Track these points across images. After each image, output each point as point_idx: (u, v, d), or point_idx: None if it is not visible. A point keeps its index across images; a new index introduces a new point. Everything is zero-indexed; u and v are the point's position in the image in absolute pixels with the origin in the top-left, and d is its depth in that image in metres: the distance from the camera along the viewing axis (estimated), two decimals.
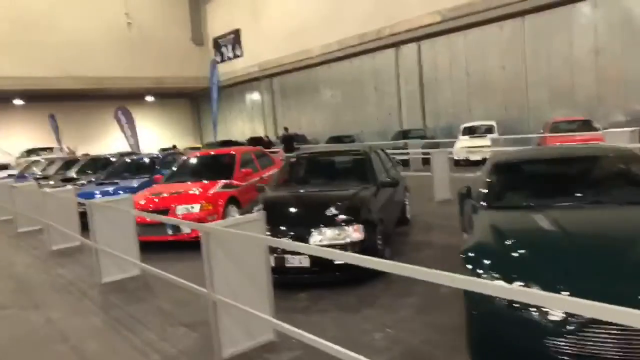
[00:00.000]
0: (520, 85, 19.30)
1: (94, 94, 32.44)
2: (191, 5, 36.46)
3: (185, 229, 6.93)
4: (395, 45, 23.53)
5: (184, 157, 9.48)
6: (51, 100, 31.03)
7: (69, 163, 16.38)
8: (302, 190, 5.93)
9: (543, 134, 14.74)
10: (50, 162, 17.85)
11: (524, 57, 19.11)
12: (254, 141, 23.88)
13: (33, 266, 7.39)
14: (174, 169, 9.11)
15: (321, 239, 4.84)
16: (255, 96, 35.02)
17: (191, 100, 40.88)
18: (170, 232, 7.06)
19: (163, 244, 7.19)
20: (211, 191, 7.56)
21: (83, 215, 7.06)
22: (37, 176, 15.86)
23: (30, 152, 27.85)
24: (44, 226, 8.53)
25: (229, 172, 8.34)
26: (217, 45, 35.78)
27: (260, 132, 32.82)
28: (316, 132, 27.79)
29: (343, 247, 4.77)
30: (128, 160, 11.85)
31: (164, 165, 11.02)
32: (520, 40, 19.20)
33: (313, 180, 6.25)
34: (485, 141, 15.76)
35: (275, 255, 4.73)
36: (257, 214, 3.87)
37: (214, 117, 17.13)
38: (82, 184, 12.04)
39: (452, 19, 20.65)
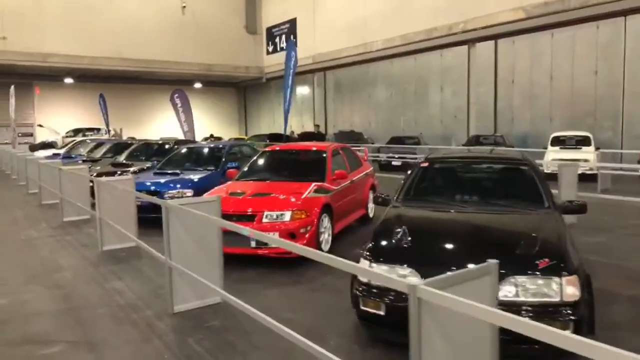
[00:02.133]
0: (616, 94, 17.13)
1: (142, 76, 31.68)
2: None
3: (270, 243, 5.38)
4: (469, 42, 21.53)
5: (261, 150, 7.97)
6: (100, 80, 30.42)
7: (118, 146, 15.26)
8: (453, 211, 4.29)
9: None
10: (98, 144, 16.78)
11: (622, 62, 16.93)
12: (306, 137, 22.46)
13: (80, 273, 6.00)
14: (252, 163, 7.60)
15: (515, 292, 3.21)
16: (305, 90, 33.55)
17: (237, 90, 39.78)
18: (253, 243, 5.56)
19: (250, 260, 5.73)
20: (304, 195, 6.01)
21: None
22: (85, 158, 14.78)
23: (76, 131, 27.18)
24: (93, 218, 7.44)
25: (319, 172, 6.80)
26: (271, 34, 34.45)
27: (309, 127, 31.34)
28: (370, 132, 26.12)
29: (550, 309, 3.13)
30: (189, 148, 10.45)
31: (229, 157, 9.60)
32: (619, 43, 17.02)
33: (458, 195, 4.61)
34: (581, 154, 13.75)
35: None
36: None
37: (286, 107, 15.52)
38: (135, 172, 10.75)
39: (539, 16, 18.52)
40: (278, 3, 33.88)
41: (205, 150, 10.29)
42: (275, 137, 22.03)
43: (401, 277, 3.37)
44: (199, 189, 8.29)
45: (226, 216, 5.39)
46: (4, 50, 24.98)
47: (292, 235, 5.56)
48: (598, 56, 17.50)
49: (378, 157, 19.37)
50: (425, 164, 4.92)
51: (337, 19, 28.17)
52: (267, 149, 7.81)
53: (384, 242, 3.76)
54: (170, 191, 8.13)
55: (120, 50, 28.02)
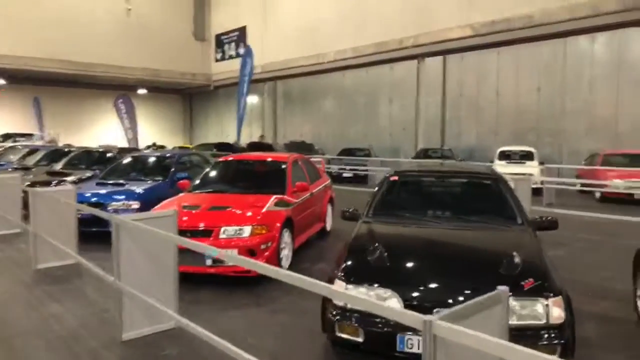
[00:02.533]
0: (556, 111, 17.91)
1: (83, 80, 30.06)
2: None
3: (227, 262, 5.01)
4: (418, 57, 21.93)
5: (216, 160, 7.54)
6: (35, 83, 28.57)
7: (54, 153, 14.24)
8: (427, 227, 4.10)
9: (593, 167, 13.35)
10: (31, 150, 15.60)
11: (563, 80, 17.75)
12: (254, 147, 22.02)
13: (11, 296, 5.35)
14: (206, 174, 7.15)
15: None
16: (255, 99, 33.07)
17: (183, 97, 38.72)
18: (209, 262, 5.15)
19: (202, 278, 5.28)
20: (264, 209, 5.66)
21: None
22: (16, 166, 13.67)
23: (6, 137, 25.32)
24: (24, 232, 6.73)
25: (279, 184, 6.46)
26: (220, 42, 33.80)
27: (257, 136, 30.87)
28: (320, 143, 26.02)
29: (536, 332, 2.98)
30: (134, 157, 9.80)
31: (178, 166, 9.08)
32: (560, 62, 17.84)
33: (430, 210, 4.42)
34: (526, 168, 14.19)
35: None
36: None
37: (240, 115, 14.99)
38: (74, 182, 9.97)
39: (485, 34, 19.15)
40: (228, 10, 33.32)
41: (153, 159, 9.70)
42: (223, 147, 21.44)
43: (381, 299, 3.13)
44: (146, 200, 7.75)
45: (180, 232, 4.95)
46: None
47: (251, 252, 5.20)
48: (541, 74, 18.26)
49: (329, 168, 19.24)
50: (395, 178, 4.72)
51: (288, 29, 28.00)
52: (222, 159, 7.39)
53: (359, 262, 3.50)
54: (114, 203, 7.53)
55: (57, 52, 26.44)
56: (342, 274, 3.38)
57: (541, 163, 14.80)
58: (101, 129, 32.64)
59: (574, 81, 17.43)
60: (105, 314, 4.51)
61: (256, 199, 5.96)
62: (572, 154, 17.33)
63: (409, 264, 3.47)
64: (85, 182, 9.61)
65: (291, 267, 5.83)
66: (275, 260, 5.46)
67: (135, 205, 7.55)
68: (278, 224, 5.56)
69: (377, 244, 3.63)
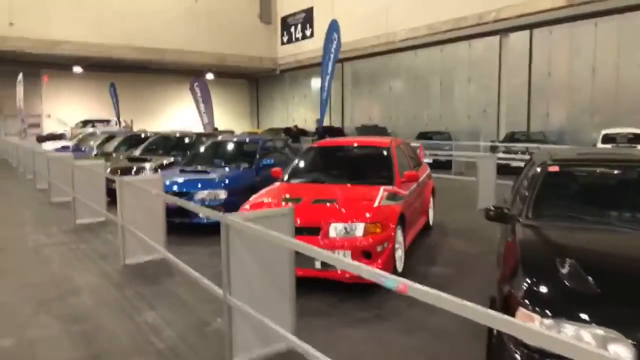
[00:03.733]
0: None
1: (153, 66, 30.52)
2: None
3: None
4: (501, 32, 20.24)
5: (309, 145, 6.83)
6: (110, 70, 29.30)
7: (131, 138, 14.17)
8: (626, 236, 3.14)
9: None
10: (110, 136, 15.70)
11: None
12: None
13: (102, 297, 4.91)
14: (300, 161, 6.45)
15: None
16: (319, 82, 32.34)
17: (250, 82, 38.61)
18: (318, 264, 4.45)
19: (307, 281, 4.58)
20: (375, 203, 4.87)
21: None
22: (96, 152, 13.73)
23: (85, 123, 26.14)
24: (108, 221, 6.38)
25: (385, 173, 5.66)
26: (286, 24, 33.20)
27: (325, 121, 30.13)
28: (391, 127, 24.90)
29: None
30: (216, 142, 9.30)
31: (263, 152, 8.47)
32: None
33: (615, 212, 3.44)
34: None
35: None
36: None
37: (324, 97, 14.21)
38: (155, 169, 9.67)
39: (582, 4, 17.25)
40: None
41: (236, 144, 9.15)
42: (293, 132, 20.92)
43: (600, 344, 2.26)
44: (233, 189, 7.22)
45: None
46: (10, 36, 23.90)
47: (367, 255, 4.44)
48: None
49: None
50: (555, 168, 3.76)
51: (356, 8, 26.84)
52: (316, 145, 6.65)
53: (550, 284, 2.61)
54: (200, 192, 7.03)
55: (131, 38, 26.90)
56: (531, 302, 2.51)
57: None
58: (172, 115, 33.21)
59: None
60: (206, 327, 3.92)
61: (363, 191, 5.19)
62: None
63: (629, 289, 2.54)
64: (166, 169, 9.26)
65: (405, 272, 5.04)
66: (391, 264, 4.69)
67: (223, 195, 7.02)
68: (393, 222, 4.76)
69: (567, 259, 2.73)
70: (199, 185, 7.15)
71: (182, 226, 6.92)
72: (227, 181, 7.26)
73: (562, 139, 18.04)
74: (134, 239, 5.63)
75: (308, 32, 31.61)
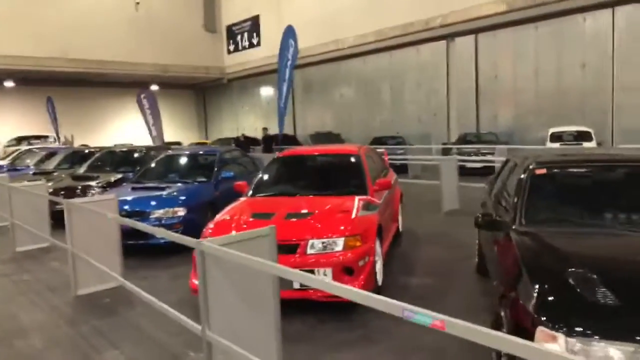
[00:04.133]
0: (606, 88, 16.62)
1: (93, 79, 29.12)
2: None
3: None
4: (447, 37, 20.67)
5: (275, 156, 6.47)
6: (46, 84, 27.64)
7: (74, 155, 13.29)
8: (627, 238, 3.01)
9: None
10: (50, 153, 14.67)
11: (611, 54, 16.44)
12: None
13: (54, 336, 4.35)
14: (265, 172, 6.07)
15: None
16: (270, 91, 31.99)
17: (196, 92, 37.66)
18: (297, 284, 4.10)
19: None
20: (353, 214, 4.60)
21: None
22: (35, 171, 12.74)
23: (20, 139, 24.48)
24: (53, 246, 5.76)
25: (357, 182, 5.40)
26: (232, 33, 32.67)
27: (276, 130, 29.77)
28: (344, 133, 24.85)
29: None
30: (170, 155, 8.75)
31: (222, 164, 8.04)
32: (607, 34, 16.52)
33: (609, 214, 3.31)
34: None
35: None
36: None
37: (282, 105, 13.79)
38: (103, 187, 9.02)
39: (522, 9, 17.87)
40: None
41: (191, 157, 8.63)
42: (253, 141, 20.40)
43: (629, 358, 2.07)
44: (192, 206, 6.76)
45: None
46: None
47: (348, 271, 4.15)
48: (586, 48, 16.96)
49: None
50: (542, 171, 3.61)
51: (304, 15, 26.71)
52: (282, 155, 6.28)
53: (569, 297, 2.40)
54: (157, 211, 6.51)
55: (67, 50, 25.51)
56: (551, 319, 2.29)
57: (599, 144, 13.62)
58: (113, 129, 31.80)
59: (624, 55, 16.10)
60: None
61: (337, 202, 4.90)
62: (624, 133, 16.07)
63: None
64: (114, 186, 8.63)
65: (384, 285, 4.79)
66: (373, 279, 4.42)
67: (181, 212, 6.54)
68: (372, 233, 4.50)
69: (580, 269, 2.54)
70: (154, 203, 6.63)
71: (135, 248, 6.38)
72: (184, 197, 6.78)
73: (511, 139, 18.54)
74: (86, 266, 5.08)
75: (255, 41, 31.22)
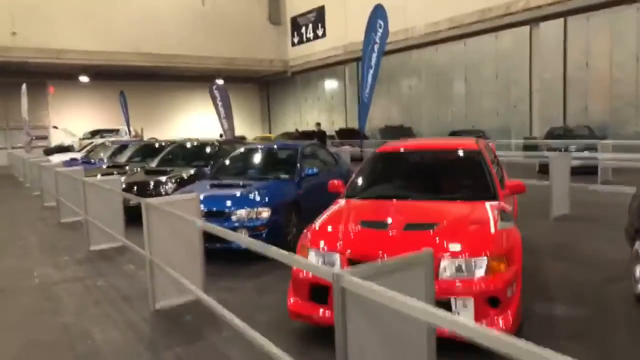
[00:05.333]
0: None
1: (161, 73, 29.53)
2: None
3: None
4: (531, 22, 18.96)
5: (373, 152, 5.62)
6: (117, 78, 28.32)
7: (145, 148, 13.09)
8: None
9: None
10: (122, 146, 14.60)
11: None
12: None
13: None
14: (364, 170, 5.19)
15: None
16: (335, 84, 31.22)
17: (260, 86, 37.52)
18: None
19: None
20: (492, 228, 3.65)
21: None
22: (108, 164, 12.62)
23: (94, 133, 25.13)
24: (127, 246, 5.21)
25: (483, 184, 4.44)
26: (296, 24, 32.09)
27: (340, 124, 29.00)
28: (413, 126, 23.64)
29: None
30: (248, 150, 8.10)
31: (304, 161, 7.28)
32: None
33: None
34: None
35: None
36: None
37: (366, 95, 12.86)
38: (177, 182, 8.54)
39: None
40: None
41: (271, 152, 7.93)
42: (307, 136, 19.72)
43: None
44: (276, 205, 6.03)
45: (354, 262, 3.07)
46: (14, 46, 22.96)
47: (493, 303, 3.22)
48: None
49: None
50: None
51: (370, 4, 25.59)
52: (383, 150, 5.39)
53: None
54: (239, 211, 5.83)
55: (138, 45, 25.93)
56: None
57: None
58: (181, 122, 32.22)
59: None
60: None
61: (465, 210, 3.97)
62: None
63: None
64: (188, 182, 8.09)
65: (523, 316, 3.81)
66: (521, 313, 3.46)
67: (266, 213, 5.83)
68: (518, 253, 3.55)
69: None
70: (234, 202, 5.94)
71: (213, 251, 5.72)
72: (268, 196, 6.06)
73: (605, 133, 16.75)
74: (165, 275, 4.46)
75: (320, 32, 30.47)
